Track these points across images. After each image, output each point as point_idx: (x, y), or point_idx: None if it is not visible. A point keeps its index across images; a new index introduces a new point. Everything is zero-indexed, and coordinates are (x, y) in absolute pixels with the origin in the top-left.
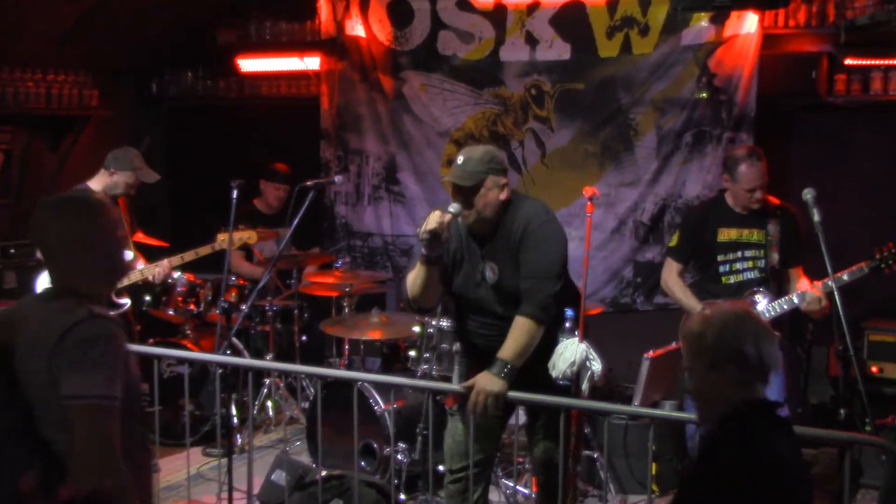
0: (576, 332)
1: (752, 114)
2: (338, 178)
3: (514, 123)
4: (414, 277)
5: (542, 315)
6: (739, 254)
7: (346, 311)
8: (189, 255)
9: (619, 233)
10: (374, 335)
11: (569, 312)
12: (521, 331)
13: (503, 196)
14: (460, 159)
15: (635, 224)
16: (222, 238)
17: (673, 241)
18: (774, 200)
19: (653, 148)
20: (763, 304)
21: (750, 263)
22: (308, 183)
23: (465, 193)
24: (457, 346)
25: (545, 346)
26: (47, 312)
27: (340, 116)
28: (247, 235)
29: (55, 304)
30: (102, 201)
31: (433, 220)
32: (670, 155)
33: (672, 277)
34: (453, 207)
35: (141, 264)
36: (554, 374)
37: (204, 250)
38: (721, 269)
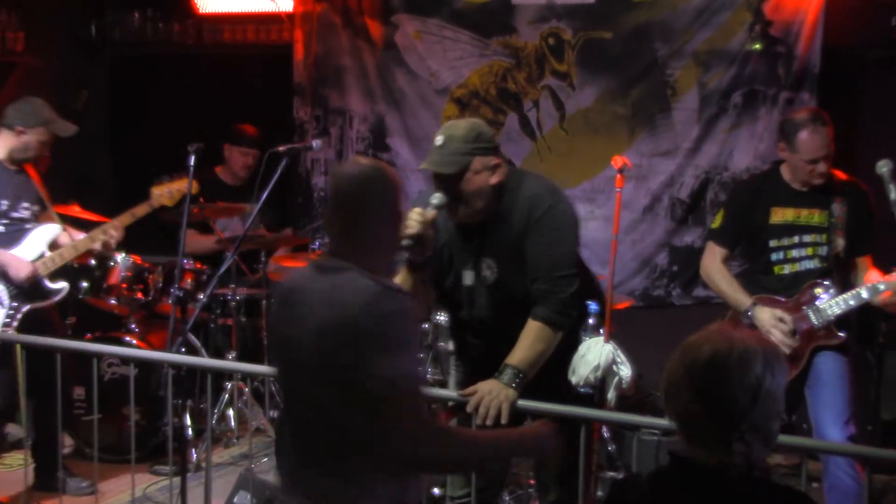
0: (601, 331)
1: (815, 69)
2: (315, 143)
3: (528, 80)
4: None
5: (560, 320)
6: (796, 238)
7: None
8: (126, 218)
9: (652, 212)
10: None
11: (592, 307)
12: (536, 337)
13: (495, 179)
14: (439, 140)
15: (672, 202)
16: (158, 192)
17: (716, 221)
18: (841, 175)
19: (694, 110)
20: (825, 300)
21: (809, 251)
22: (280, 148)
23: (448, 182)
24: (453, 352)
25: (563, 346)
26: (333, 287)
27: (319, 69)
28: (179, 186)
29: (339, 278)
30: (396, 175)
31: (414, 220)
32: (715, 119)
33: (714, 265)
34: (436, 199)
35: (79, 235)
36: (574, 379)
37: (141, 210)
38: (774, 256)
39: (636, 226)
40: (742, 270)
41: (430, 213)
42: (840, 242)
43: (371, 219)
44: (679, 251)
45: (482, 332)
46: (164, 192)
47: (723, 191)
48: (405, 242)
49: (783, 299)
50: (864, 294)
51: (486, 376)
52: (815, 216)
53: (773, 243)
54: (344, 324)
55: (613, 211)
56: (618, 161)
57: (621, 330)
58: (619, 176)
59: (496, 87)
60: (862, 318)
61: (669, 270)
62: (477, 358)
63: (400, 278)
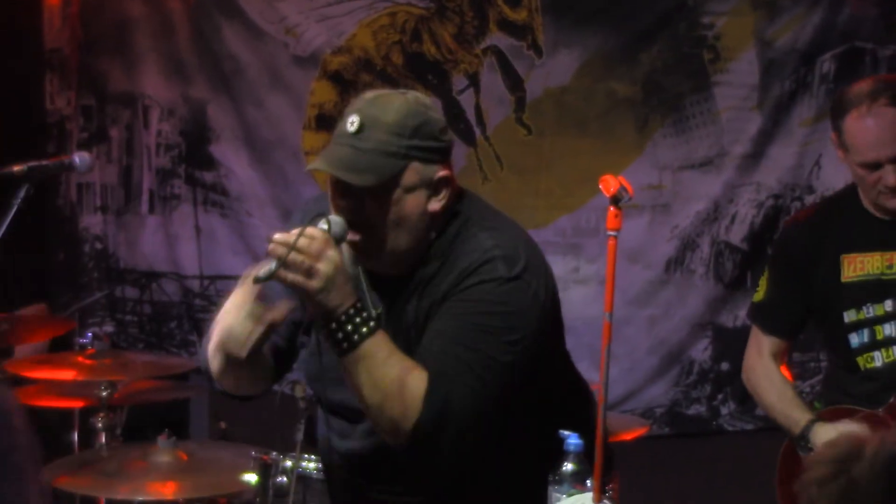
0: (588, 482)
1: None
2: (79, 159)
3: (459, 38)
4: (226, 329)
5: (430, 418)
6: (889, 304)
7: (103, 440)
8: None
9: (682, 268)
10: (164, 492)
11: (571, 440)
12: (401, 373)
13: (437, 206)
14: (353, 123)
15: (717, 249)
16: None
17: (759, 291)
18: None
19: (752, 87)
20: None
21: None
22: (15, 168)
23: (357, 199)
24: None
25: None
26: None
27: (88, 24)
28: None
29: None
30: None
31: (283, 239)
32: (789, 102)
33: (760, 365)
34: (333, 225)
35: None
36: None
37: None
38: (854, 340)
39: (654, 293)
40: (826, 370)
41: (320, 232)
42: None
43: None
44: (731, 336)
45: (364, 473)
46: None
47: None
48: (261, 273)
49: (869, 411)
50: None
51: None
52: None
53: (849, 316)
54: None
55: (607, 269)
56: (609, 183)
57: (630, 478)
58: (611, 209)
59: (402, 52)
60: None
61: (715, 370)
62: None
63: (230, 311)
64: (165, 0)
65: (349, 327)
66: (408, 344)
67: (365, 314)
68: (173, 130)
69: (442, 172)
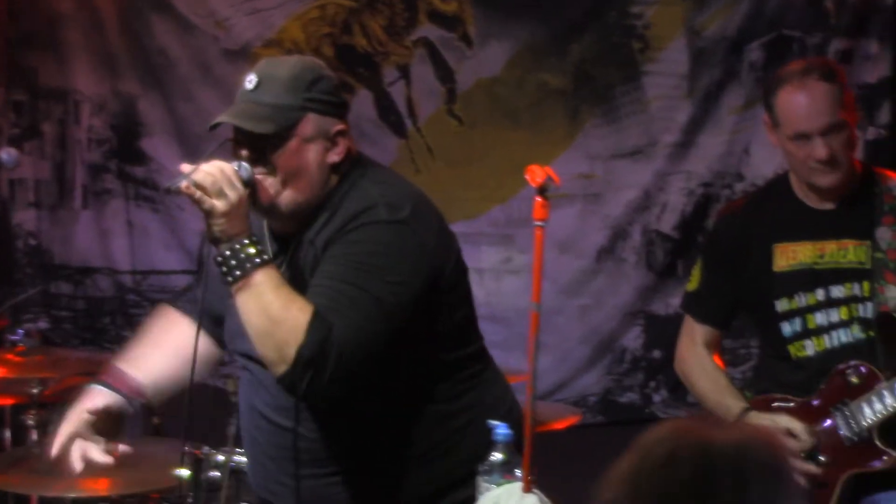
0: (517, 471)
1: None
2: (7, 155)
3: (389, 30)
4: None
5: (313, 344)
6: (821, 293)
7: (35, 437)
8: None
9: (612, 257)
10: (97, 489)
11: (500, 429)
12: (286, 302)
13: (335, 157)
14: (251, 81)
15: (647, 237)
16: None
17: (692, 281)
18: (893, 175)
19: (682, 76)
20: (864, 396)
21: (843, 312)
22: None
23: (258, 149)
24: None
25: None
26: None
27: (17, 20)
28: None
29: None
30: None
31: (211, 168)
32: (718, 90)
33: (692, 354)
34: (245, 170)
35: None
36: None
37: None
38: (786, 328)
39: (585, 282)
40: (757, 359)
41: (230, 167)
42: (894, 293)
43: None
44: (663, 324)
45: (266, 429)
46: None
47: None
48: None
49: (801, 400)
50: None
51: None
52: (849, 251)
53: (781, 305)
54: None
55: (534, 259)
56: (536, 173)
57: (561, 468)
58: (538, 200)
59: (333, 44)
60: None
61: (647, 358)
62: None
63: None
64: None
65: (242, 255)
66: (299, 291)
67: (259, 247)
68: (104, 125)
69: (338, 126)
